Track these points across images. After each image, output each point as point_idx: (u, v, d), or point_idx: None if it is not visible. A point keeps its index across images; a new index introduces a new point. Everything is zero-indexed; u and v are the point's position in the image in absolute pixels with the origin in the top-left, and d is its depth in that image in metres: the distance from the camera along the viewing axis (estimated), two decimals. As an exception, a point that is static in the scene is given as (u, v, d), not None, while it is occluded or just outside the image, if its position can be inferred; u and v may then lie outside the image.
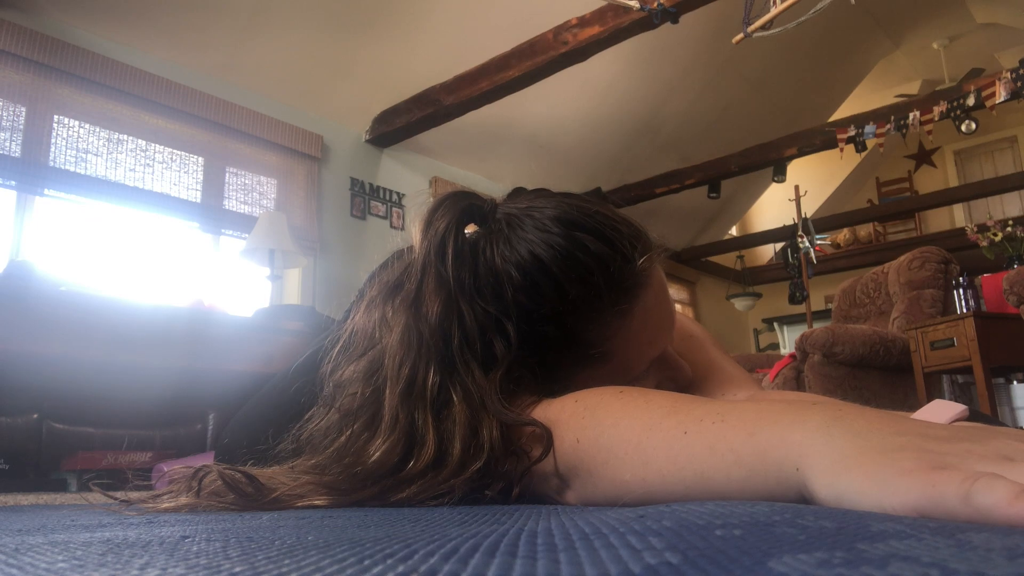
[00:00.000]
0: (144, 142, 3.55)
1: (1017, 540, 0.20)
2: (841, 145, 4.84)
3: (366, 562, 0.23)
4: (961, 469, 0.29)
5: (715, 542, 0.23)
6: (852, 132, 4.79)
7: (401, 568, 0.21)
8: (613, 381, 0.67)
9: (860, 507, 0.32)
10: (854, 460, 0.34)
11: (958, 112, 4.38)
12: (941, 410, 0.49)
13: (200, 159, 3.77)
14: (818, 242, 5.85)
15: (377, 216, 4.50)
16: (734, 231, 8.17)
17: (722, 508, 0.33)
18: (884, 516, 0.28)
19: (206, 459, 2.32)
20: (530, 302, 0.64)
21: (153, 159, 3.57)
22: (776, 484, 0.38)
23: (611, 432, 0.50)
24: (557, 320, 0.65)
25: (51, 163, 3.19)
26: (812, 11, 2.88)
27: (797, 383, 3.42)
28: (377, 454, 0.61)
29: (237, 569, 0.23)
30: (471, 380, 0.61)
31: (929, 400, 2.87)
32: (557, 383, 0.66)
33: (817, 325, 4.18)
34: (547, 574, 0.20)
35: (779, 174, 5.51)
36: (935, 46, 6.50)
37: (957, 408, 0.48)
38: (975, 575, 0.16)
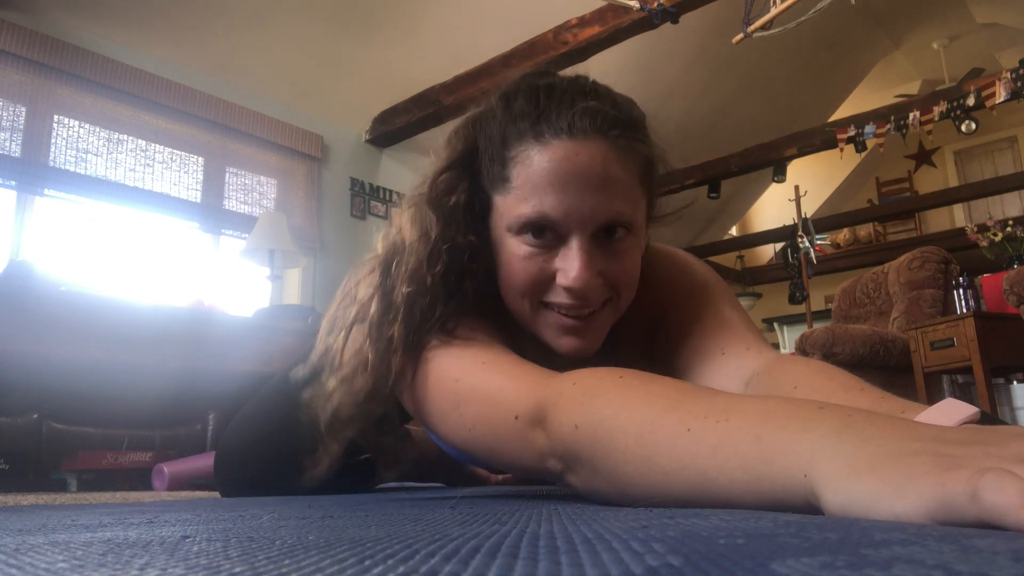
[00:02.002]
0: (144, 142, 3.55)
1: (1022, 544, 0.20)
2: (841, 145, 4.84)
3: (366, 562, 0.23)
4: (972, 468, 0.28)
5: (718, 548, 0.23)
6: (852, 132, 4.79)
7: (402, 568, 0.21)
8: (499, 225, 0.72)
9: (871, 514, 0.31)
10: (866, 466, 0.33)
11: (958, 112, 4.38)
12: (951, 411, 0.47)
13: (200, 159, 3.77)
14: (818, 242, 5.85)
15: (377, 216, 4.50)
16: (734, 231, 8.17)
17: (726, 521, 0.33)
18: (889, 526, 0.28)
19: (206, 459, 2.32)
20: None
21: (153, 159, 3.57)
22: (782, 490, 0.37)
23: (611, 423, 0.49)
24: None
25: (51, 163, 3.19)
26: (812, 11, 2.87)
27: (797, 383, 3.41)
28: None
29: (237, 569, 0.23)
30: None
31: (930, 401, 2.87)
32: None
33: (817, 325, 4.18)
34: (549, 575, 0.20)
35: (779, 174, 5.51)
36: (935, 46, 6.50)
37: (969, 410, 0.46)
38: (980, 578, 0.16)
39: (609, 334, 0.82)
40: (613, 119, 0.69)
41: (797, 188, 5.90)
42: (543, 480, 1.41)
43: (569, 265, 0.68)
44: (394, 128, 4.36)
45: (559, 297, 0.71)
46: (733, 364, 0.76)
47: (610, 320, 0.76)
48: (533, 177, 0.68)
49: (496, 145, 0.72)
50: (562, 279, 0.69)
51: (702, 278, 0.87)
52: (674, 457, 0.44)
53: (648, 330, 0.86)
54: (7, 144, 3.07)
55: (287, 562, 0.24)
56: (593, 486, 0.53)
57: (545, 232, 0.69)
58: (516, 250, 0.71)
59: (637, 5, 3.15)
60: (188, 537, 0.36)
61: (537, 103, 0.70)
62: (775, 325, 8.23)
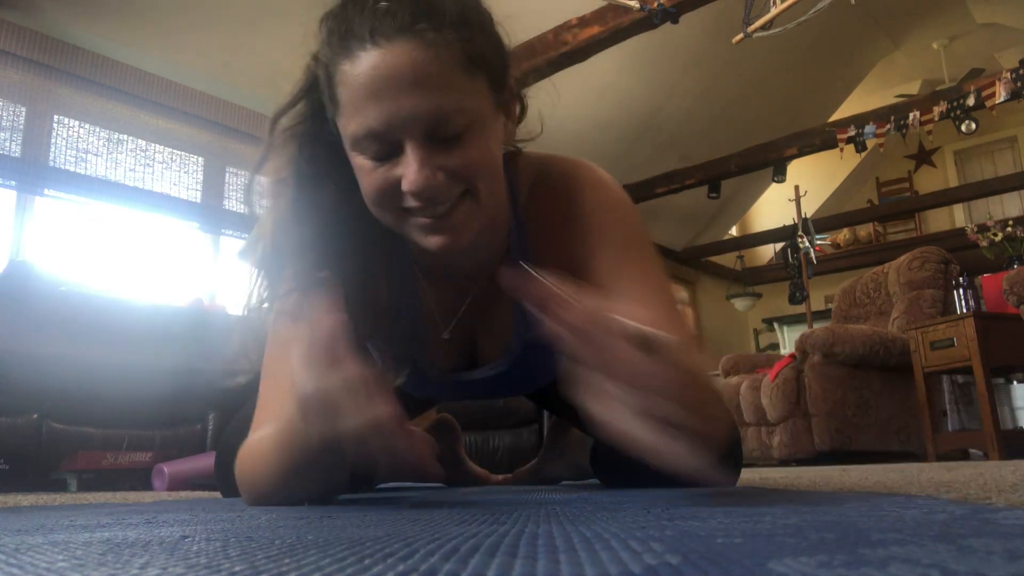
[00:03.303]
0: (144, 142, 3.55)
1: (1017, 543, 0.20)
2: (841, 145, 4.84)
3: (366, 561, 0.23)
4: None
5: (715, 547, 0.23)
6: (852, 132, 4.79)
7: (401, 567, 0.21)
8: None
9: None
10: None
11: (958, 112, 4.38)
12: None
13: (200, 159, 3.77)
14: (818, 242, 5.85)
15: (377, 216, 4.50)
16: (734, 231, 8.17)
17: (724, 522, 0.33)
18: (885, 527, 0.28)
19: (206, 459, 2.32)
20: None
21: (153, 159, 3.57)
22: None
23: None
24: None
25: (51, 163, 3.19)
26: (812, 11, 2.88)
27: (797, 383, 3.41)
28: None
29: (237, 568, 0.23)
30: None
31: (931, 402, 2.83)
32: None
33: (817, 325, 4.18)
34: (547, 574, 0.20)
35: (779, 174, 5.51)
36: (935, 46, 6.50)
37: None
38: (975, 575, 0.16)
39: (525, 249, 0.84)
40: (414, 14, 0.67)
41: (797, 188, 5.90)
42: (543, 481, 1.41)
43: (406, 171, 0.69)
44: (394, 128, 4.36)
45: (410, 202, 0.71)
46: None
47: (474, 213, 0.74)
48: (352, 94, 0.69)
49: (323, 69, 0.72)
50: (404, 185, 0.69)
51: (604, 200, 0.83)
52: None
53: (564, 241, 0.83)
54: (7, 144, 3.07)
55: (287, 561, 0.24)
56: None
57: (379, 144, 0.69)
58: (362, 166, 0.72)
59: (637, 5, 3.16)
60: (187, 537, 0.36)
61: (345, 16, 0.69)
62: (775, 325, 8.23)
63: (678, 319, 0.78)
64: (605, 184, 0.85)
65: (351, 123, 0.69)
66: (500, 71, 0.75)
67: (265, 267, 0.76)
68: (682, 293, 7.64)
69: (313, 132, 0.75)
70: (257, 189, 0.81)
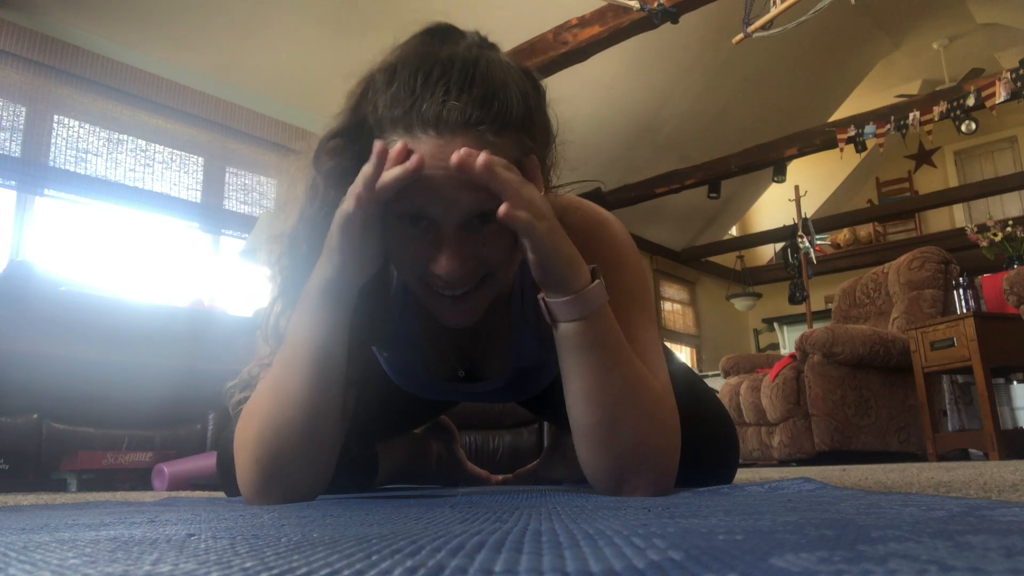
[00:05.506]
0: (144, 142, 3.55)
1: (1014, 540, 0.20)
2: (841, 145, 4.85)
3: (373, 557, 0.23)
4: None
5: (717, 544, 0.23)
6: (852, 132, 4.80)
7: (409, 563, 0.22)
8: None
9: None
10: None
11: (958, 112, 4.38)
12: None
13: (200, 159, 3.77)
14: (818, 242, 5.85)
15: (377, 216, 4.49)
16: (734, 231, 8.18)
17: (725, 520, 0.33)
18: (884, 523, 0.28)
19: (206, 459, 2.32)
20: None
21: (153, 159, 3.57)
22: None
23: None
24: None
25: (51, 163, 3.19)
26: (812, 11, 2.88)
27: (797, 383, 3.42)
28: None
29: (248, 564, 0.23)
30: None
31: (931, 403, 2.83)
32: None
33: (817, 325, 4.19)
34: (553, 569, 0.20)
35: (779, 174, 5.52)
36: (935, 46, 6.50)
37: None
38: (972, 570, 0.16)
39: (526, 287, 0.87)
40: (481, 114, 0.69)
41: (797, 188, 5.91)
42: (543, 482, 1.42)
43: (440, 257, 0.72)
44: (394, 128, 4.35)
45: (435, 279, 0.74)
46: None
47: (491, 291, 0.78)
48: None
49: (377, 125, 0.74)
50: (435, 268, 0.73)
51: (629, 282, 0.84)
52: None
53: None
54: (7, 144, 3.07)
55: (295, 557, 0.24)
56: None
57: (419, 221, 0.72)
58: (396, 233, 0.75)
59: (637, 5, 3.16)
60: (193, 535, 0.36)
61: (412, 90, 0.70)
62: (775, 325, 8.24)
63: (662, 380, 0.78)
64: (619, 242, 0.87)
65: (396, 196, 0.72)
66: (545, 156, 0.78)
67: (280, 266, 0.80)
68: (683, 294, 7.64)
69: (349, 159, 0.77)
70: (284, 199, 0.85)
